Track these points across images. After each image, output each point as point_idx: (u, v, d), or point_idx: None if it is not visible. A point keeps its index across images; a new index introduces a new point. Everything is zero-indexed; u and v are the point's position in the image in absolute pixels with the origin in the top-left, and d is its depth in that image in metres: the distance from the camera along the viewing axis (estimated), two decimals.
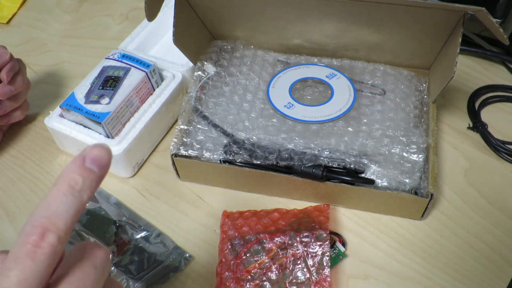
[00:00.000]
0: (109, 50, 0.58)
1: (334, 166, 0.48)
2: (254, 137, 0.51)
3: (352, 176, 0.48)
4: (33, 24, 0.76)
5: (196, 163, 0.51)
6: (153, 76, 0.55)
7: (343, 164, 0.48)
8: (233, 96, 0.55)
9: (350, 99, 0.54)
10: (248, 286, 0.44)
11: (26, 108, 0.59)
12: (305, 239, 0.45)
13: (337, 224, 0.50)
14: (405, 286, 0.46)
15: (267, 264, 0.44)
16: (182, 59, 0.57)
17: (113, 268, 0.47)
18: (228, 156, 0.50)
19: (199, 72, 0.56)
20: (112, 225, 0.50)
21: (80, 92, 0.53)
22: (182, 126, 0.52)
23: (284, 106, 0.54)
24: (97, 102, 0.52)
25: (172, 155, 0.51)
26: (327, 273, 0.43)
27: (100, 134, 0.52)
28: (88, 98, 0.52)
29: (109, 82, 0.53)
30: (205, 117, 0.53)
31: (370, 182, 0.48)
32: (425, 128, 0.52)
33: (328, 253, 0.44)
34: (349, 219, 0.51)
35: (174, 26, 0.52)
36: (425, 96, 0.55)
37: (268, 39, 0.59)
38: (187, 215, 0.52)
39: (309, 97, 0.55)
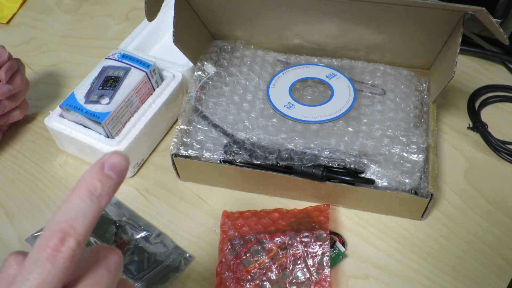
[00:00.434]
0: (109, 50, 0.58)
1: (334, 166, 0.48)
2: (254, 137, 0.51)
3: (352, 176, 0.48)
4: (33, 24, 0.76)
5: (196, 163, 0.51)
6: (153, 76, 0.55)
7: (343, 164, 0.48)
8: (233, 96, 0.55)
9: (350, 99, 0.54)
10: (248, 286, 0.44)
11: (25, 108, 0.59)
12: (305, 239, 0.45)
13: (337, 224, 0.50)
14: (405, 286, 0.46)
15: (267, 264, 0.44)
16: (182, 59, 0.57)
17: None
18: (228, 156, 0.50)
19: (199, 72, 0.56)
20: (112, 225, 0.50)
21: (80, 92, 0.53)
22: (182, 126, 0.52)
23: (284, 106, 0.54)
24: (97, 102, 0.52)
25: (172, 155, 0.51)
26: (327, 273, 0.43)
27: (100, 134, 0.52)
28: (88, 98, 0.52)
29: (109, 82, 0.53)
30: (205, 117, 0.53)
31: (370, 182, 0.48)
32: (425, 128, 0.52)
33: (328, 253, 0.44)
34: (349, 219, 0.51)
35: (174, 26, 0.52)
36: (425, 96, 0.55)
37: (268, 39, 0.59)
38: (187, 215, 0.52)
39: (309, 97, 0.55)
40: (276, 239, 0.46)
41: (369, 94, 0.55)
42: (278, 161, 0.49)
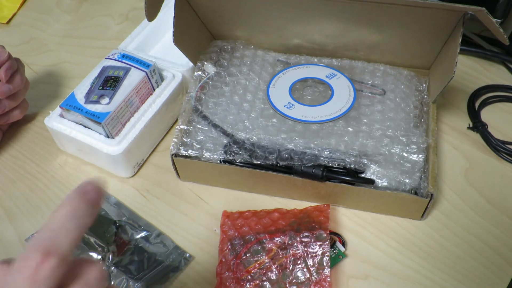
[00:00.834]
0: (109, 50, 0.58)
1: (334, 166, 0.48)
2: (254, 137, 0.51)
3: (352, 176, 0.48)
4: (33, 24, 0.76)
5: (196, 163, 0.51)
6: (153, 76, 0.55)
7: (343, 164, 0.48)
8: (233, 96, 0.55)
9: (350, 99, 0.54)
10: (248, 286, 0.44)
11: (25, 108, 0.59)
12: (305, 239, 0.45)
13: (337, 224, 0.50)
14: (405, 286, 0.46)
15: (267, 264, 0.44)
16: (182, 59, 0.57)
17: (113, 268, 0.47)
18: (228, 156, 0.50)
19: (199, 72, 0.56)
20: (112, 225, 0.50)
21: (80, 92, 0.53)
22: (182, 126, 0.52)
23: (284, 106, 0.54)
24: (97, 102, 0.52)
25: (172, 155, 0.51)
26: (327, 273, 0.43)
27: (100, 134, 0.52)
28: (88, 98, 0.52)
29: (109, 82, 0.53)
30: (205, 117, 0.53)
31: (370, 182, 0.48)
32: (425, 128, 0.52)
33: (328, 253, 0.44)
34: (349, 219, 0.51)
35: (174, 26, 0.52)
36: (425, 96, 0.55)
37: (268, 39, 0.59)
38: (187, 215, 0.52)
39: (309, 97, 0.55)
40: (276, 239, 0.46)
41: (369, 94, 0.55)
42: (278, 161, 0.49)
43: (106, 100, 0.52)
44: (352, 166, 0.48)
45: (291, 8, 0.53)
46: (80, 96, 0.52)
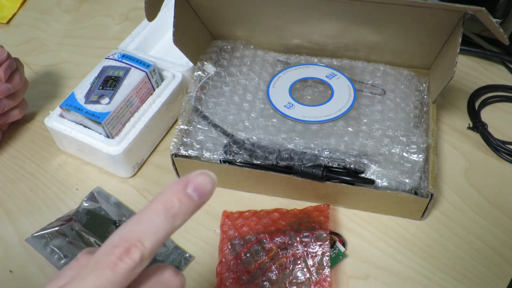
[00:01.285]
0: (109, 50, 0.58)
1: (334, 166, 0.48)
2: (254, 137, 0.51)
3: (352, 176, 0.48)
4: (33, 24, 0.76)
5: (196, 163, 0.51)
6: (153, 76, 0.55)
7: (343, 164, 0.48)
8: (233, 96, 0.55)
9: (350, 99, 0.54)
10: (248, 286, 0.44)
11: (24, 107, 0.59)
12: (305, 239, 0.45)
13: (337, 224, 0.50)
14: (405, 286, 0.46)
15: (267, 264, 0.44)
16: (182, 59, 0.57)
17: None
18: (228, 156, 0.50)
19: (199, 72, 0.56)
20: (112, 225, 0.50)
21: (80, 92, 0.53)
22: (182, 126, 0.52)
23: (284, 106, 0.54)
24: (97, 102, 0.52)
25: (172, 155, 0.51)
26: (327, 273, 0.43)
27: (100, 134, 0.52)
28: (88, 98, 0.52)
29: (109, 82, 0.53)
30: (205, 117, 0.53)
31: (370, 182, 0.48)
32: (425, 128, 0.52)
33: (328, 253, 0.44)
34: (349, 219, 0.51)
35: (174, 26, 0.52)
36: (425, 96, 0.55)
37: (268, 39, 0.59)
38: None
39: (309, 97, 0.55)
40: (276, 239, 0.46)
41: (369, 94, 0.55)
42: (278, 161, 0.49)
43: (106, 100, 0.52)
44: (352, 166, 0.48)
45: (291, 8, 0.53)
46: (80, 96, 0.52)
